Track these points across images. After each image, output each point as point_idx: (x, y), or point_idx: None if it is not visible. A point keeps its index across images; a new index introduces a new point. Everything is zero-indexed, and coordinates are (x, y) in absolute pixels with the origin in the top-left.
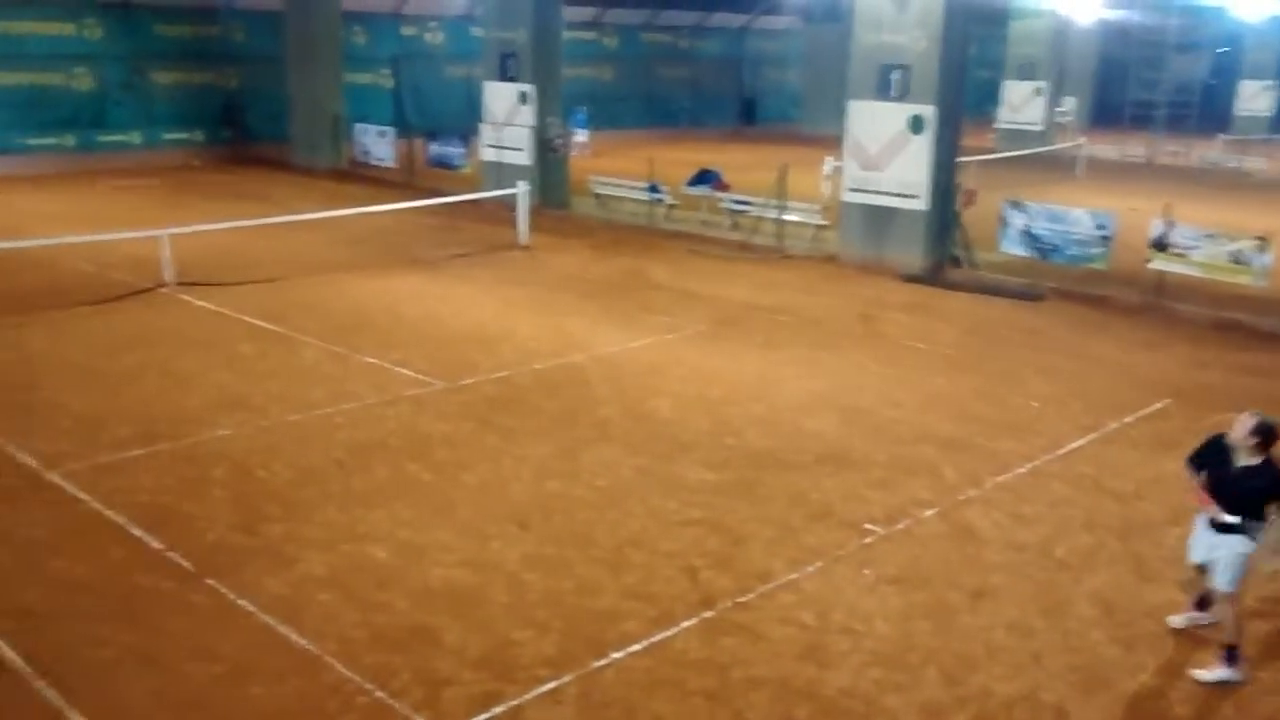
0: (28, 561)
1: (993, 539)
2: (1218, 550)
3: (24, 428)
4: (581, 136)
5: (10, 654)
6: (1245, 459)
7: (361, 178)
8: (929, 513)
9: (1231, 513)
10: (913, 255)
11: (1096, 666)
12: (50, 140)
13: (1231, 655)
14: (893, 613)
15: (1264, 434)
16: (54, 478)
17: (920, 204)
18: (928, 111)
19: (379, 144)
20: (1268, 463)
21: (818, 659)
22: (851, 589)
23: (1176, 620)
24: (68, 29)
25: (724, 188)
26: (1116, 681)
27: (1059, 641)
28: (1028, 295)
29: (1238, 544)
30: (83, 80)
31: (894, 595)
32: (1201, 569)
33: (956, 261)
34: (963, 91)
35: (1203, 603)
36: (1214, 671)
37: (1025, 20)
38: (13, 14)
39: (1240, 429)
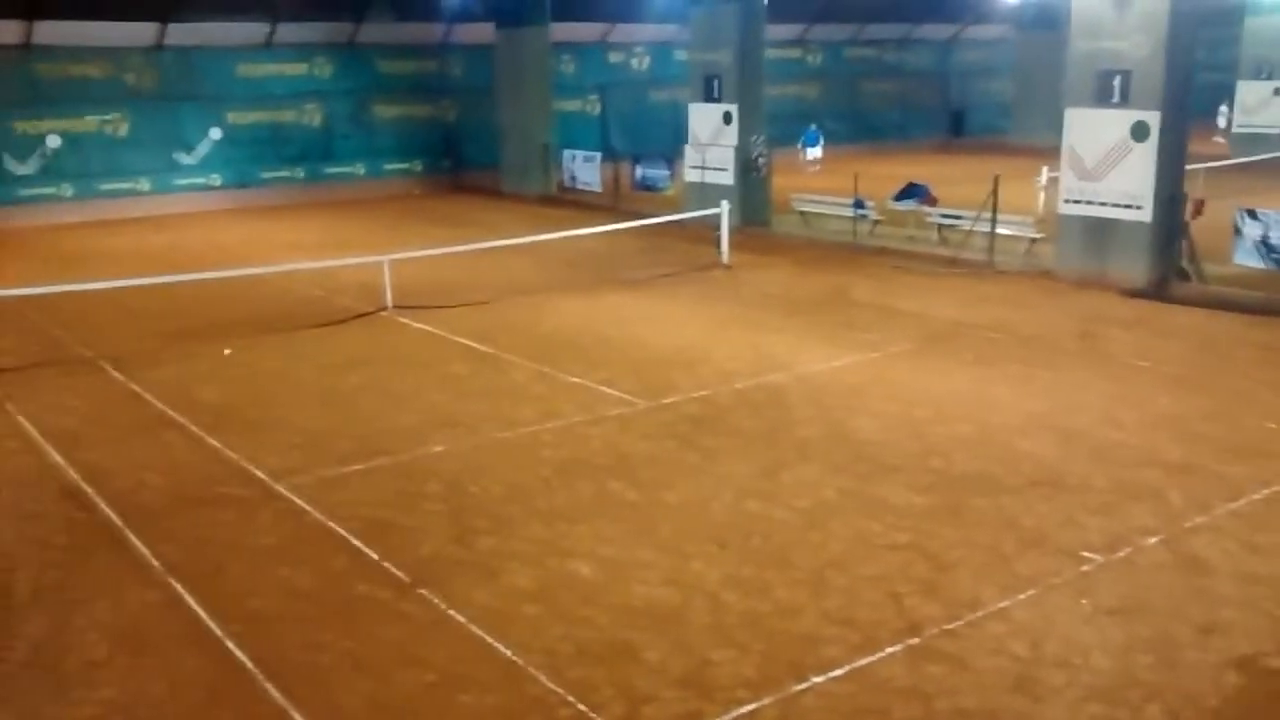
0: (256, 568)
1: (1223, 569)
2: None
3: (256, 442)
4: (815, 153)
5: (240, 655)
6: None
7: (569, 203)
8: (1152, 540)
9: None
10: (1136, 269)
11: None
12: (284, 173)
13: None
14: (1112, 645)
15: None
16: (282, 489)
17: (1144, 215)
18: (1151, 118)
19: (586, 169)
20: None
21: (1030, 692)
22: (1067, 620)
23: None
24: (300, 69)
25: (932, 201)
26: None
27: None
28: (1264, 310)
29: None
30: (313, 116)
31: (1113, 627)
32: None
33: (1184, 275)
34: (1190, 95)
35: None
36: None
37: (1262, 17)
38: (254, 57)
39: None
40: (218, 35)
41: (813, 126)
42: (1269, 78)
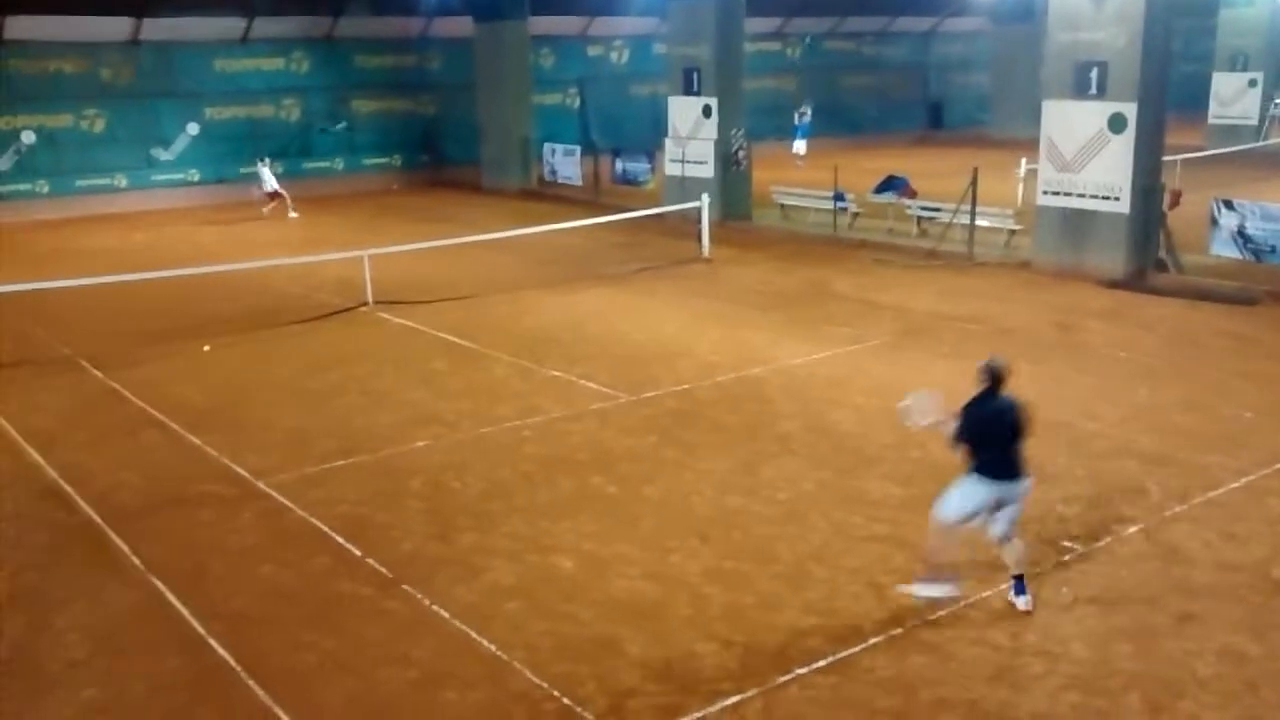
0: (238, 567)
1: (1201, 559)
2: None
3: (236, 440)
4: (800, 148)
5: (223, 654)
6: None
7: (549, 197)
8: (1131, 530)
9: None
10: (1113, 260)
11: None
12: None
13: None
14: (1091, 635)
15: (990, 374)
16: (263, 488)
17: (1121, 206)
18: (1129, 109)
19: (566, 163)
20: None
21: (1010, 681)
22: (1047, 609)
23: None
24: (278, 64)
25: (911, 194)
26: None
27: (1276, 670)
28: (1240, 300)
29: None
30: (291, 111)
31: (1092, 616)
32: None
33: (1161, 266)
34: (1166, 87)
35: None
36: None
37: (1236, 9)
38: (231, 53)
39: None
40: (194, 30)
41: (805, 117)
42: (1244, 69)
